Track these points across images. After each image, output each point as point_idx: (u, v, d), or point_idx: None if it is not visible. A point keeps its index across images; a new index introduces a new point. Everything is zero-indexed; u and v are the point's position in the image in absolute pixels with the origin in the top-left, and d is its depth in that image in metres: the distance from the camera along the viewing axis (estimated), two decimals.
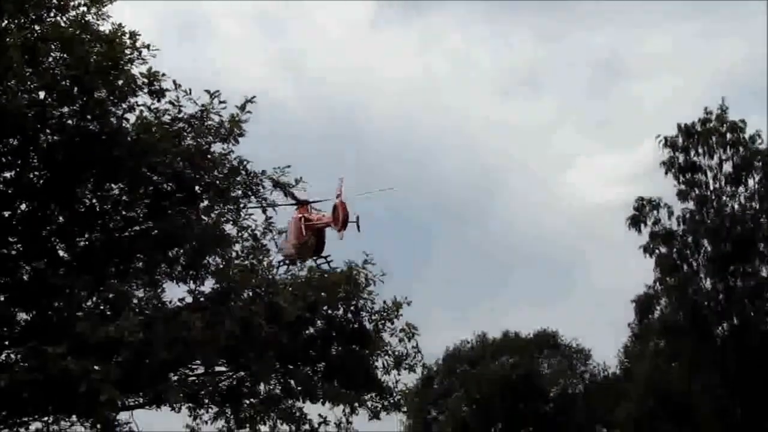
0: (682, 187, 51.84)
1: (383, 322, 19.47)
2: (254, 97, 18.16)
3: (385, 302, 19.49)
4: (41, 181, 17.37)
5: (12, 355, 15.38)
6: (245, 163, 18.44)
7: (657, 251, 52.16)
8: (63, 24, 16.84)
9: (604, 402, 76.85)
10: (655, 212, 52.33)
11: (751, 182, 51.23)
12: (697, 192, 51.80)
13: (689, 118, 52.20)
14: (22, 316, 16.76)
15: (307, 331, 19.30)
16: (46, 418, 18.54)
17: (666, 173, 51.95)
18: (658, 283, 52.94)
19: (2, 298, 16.15)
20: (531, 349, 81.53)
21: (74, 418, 18.12)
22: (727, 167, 51.31)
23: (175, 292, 18.47)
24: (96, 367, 13.74)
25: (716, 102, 53.06)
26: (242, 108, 18.03)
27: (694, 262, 52.04)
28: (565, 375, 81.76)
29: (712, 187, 51.82)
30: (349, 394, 19.26)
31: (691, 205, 51.88)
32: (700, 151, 51.61)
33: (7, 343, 16.00)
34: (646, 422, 68.78)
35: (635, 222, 52.34)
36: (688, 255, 51.99)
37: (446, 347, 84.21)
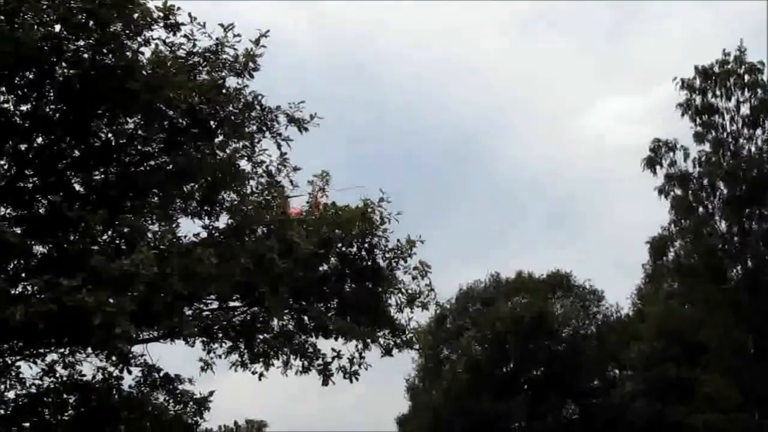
0: (699, 129, 51.63)
1: (397, 260, 19.51)
2: (268, 31, 18.11)
3: (399, 240, 19.52)
4: (57, 115, 17.39)
5: (28, 287, 15.46)
6: (260, 98, 18.44)
7: (672, 193, 52.09)
8: None
9: (616, 343, 77.25)
10: (671, 154, 52.19)
11: None
12: (713, 134, 51.58)
13: (707, 60, 51.94)
14: (38, 248, 16.85)
15: (320, 268, 19.35)
16: (61, 350, 18.79)
17: (682, 115, 51.74)
18: (672, 225, 52.94)
19: (18, 231, 16.18)
20: (544, 290, 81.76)
21: (89, 350, 18.36)
22: (745, 109, 51.06)
23: (189, 227, 18.58)
24: (111, 300, 13.79)
25: (735, 44, 52.81)
26: (257, 42, 17.98)
27: (709, 205, 51.97)
28: (578, 316, 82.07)
29: (728, 130, 51.60)
30: (362, 329, 19.35)
31: (707, 147, 51.68)
32: (718, 93, 51.32)
33: (23, 275, 16.09)
34: (658, 362, 69.19)
35: (651, 164, 52.19)
36: (704, 197, 51.89)
37: (459, 287, 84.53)
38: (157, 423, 19.12)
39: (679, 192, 51.94)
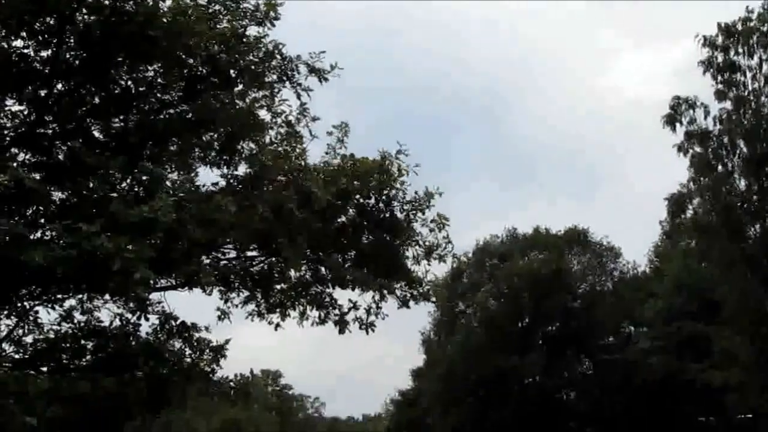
0: (720, 87, 51.22)
1: (414, 212, 19.46)
2: None
3: (416, 193, 19.47)
4: (77, 62, 17.36)
5: (47, 232, 15.53)
6: (280, 47, 18.33)
7: (692, 151, 51.79)
8: None
9: (632, 300, 77.22)
10: (690, 112, 51.83)
11: None
12: (735, 92, 51.18)
13: (730, 17, 51.44)
14: (57, 194, 16.91)
15: (338, 219, 19.34)
16: (79, 296, 18.90)
17: (704, 73, 51.28)
18: (691, 183, 52.67)
19: (38, 177, 16.23)
20: (561, 246, 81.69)
21: (107, 296, 18.48)
22: (767, 67, 50.63)
23: (208, 177, 18.61)
24: (129, 246, 13.82)
25: (759, 1, 52.33)
26: None
27: (729, 163, 51.62)
28: (594, 272, 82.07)
29: (750, 88, 51.13)
30: (378, 281, 19.37)
31: (728, 105, 51.31)
32: (740, 50, 50.84)
33: (42, 220, 16.16)
34: (675, 319, 69.17)
35: (670, 121, 51.83)
36: (723, 155, 51.54)
37: (476, 242, 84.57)
38: (174, 369, 19.27)
39: (698, 150, 51.59)
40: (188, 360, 19.62)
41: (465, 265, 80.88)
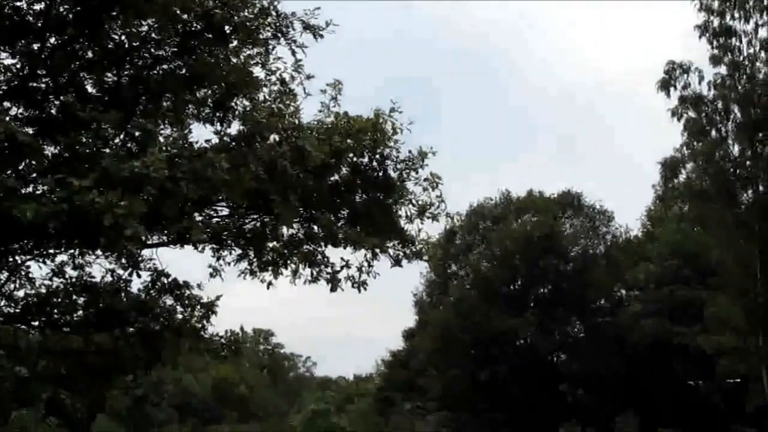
0: (716, 52, 51.13)
1: (408, 171, 19.38)
2: None
3: (410, 151, 19.39)
4: (70, 15, 17.27)
5: (39, 187, 15.48)
6: (275, 3, 18.24)
7: (685, 116, 51.76)
8: None
9: (624, 263, 77.45)
10: (685, 76, 51.80)
11: None
12: (730, 57, 51.08)
13: None
14: (50, 149, 16.85)
15: (331, 178, 19.28)
16: (71, 251, 18.89)
17: (700, 38, 51.18)
18: (685, 148, 52.68)
19: (31, 131, 16.16)
20: (554, 209, 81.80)
21: (99, 252, 18.47)
22: (763, 32, 50.44)
23: (201, 134, 18.57)
24: (121, 202, 13.78)
25: None
26: None
27: (722, 128, 51.64)
28: (587, 235, 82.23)
29: (745, 53, 51.06)
30: (371, 239, 19.34)
31: (723, 70, 51.25)
32: (736, 15, 50.71)
33: (34, 175, 16.11)
34: (667, 282, 69.41)
35: (665, 86, 51.77)
36: (717, 120, 51.55)
37: (469, 204, 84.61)
38: (165, 325, 19.30)
39: (692, 114, 51.61)
40: (179, 316, 19.65)
41: (458, 227, 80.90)
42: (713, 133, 51.42)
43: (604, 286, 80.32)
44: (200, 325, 19.82)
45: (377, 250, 19.50)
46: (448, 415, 77.60)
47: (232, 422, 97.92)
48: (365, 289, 19.60)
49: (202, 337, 20.00)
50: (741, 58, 50.77)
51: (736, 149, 51.75)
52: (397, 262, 20.06)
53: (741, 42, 50.72)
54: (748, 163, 51.33)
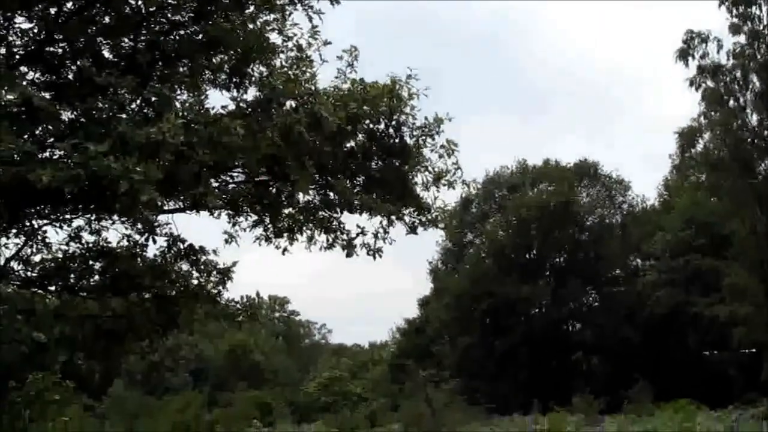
0: (735, 20, 50.83)
1: (424, 137, 19.34)
2: None
3: (426, 118, 19.35)
4: None
5: (55, 152, 15.50)
6: None
7: (704, 85, 51.56)
8: None
9: (640, 233, 77.35)
10: (703, 46, 51.55)
11: None
12: (749, 26, 50.78)
13: None
14: (67, 114, 16.86)
15: (348, 144, 19.25)
16: (87, 216, 18.94)
17: (719, 6, 50.91)
18: (702, 117, 52.53)
19: (47, 96, 16.17)
20: (570, 178, 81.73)
21: (115, 217, 18.53)
22: None
23: (217, 100, 18.54)
24: (137, 168, 13.79)
25: None
26: None
27: (741, 97, 51.48)
28: (603, 205, 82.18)
29: (765, 22, 50.77)
30: (387, 206, 19.34)
31: (742, 39, 50.97)
32: None
33: (51, 140, 16.13)
34: (683, 252, 69.31)
35: (683, 55, 51.60)
36: (736, 90, 51.39)
37: (485, 172, 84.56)
38: (180, 290, 19.38)
39: (710, 84, 51.42)
40: (195, 282, 19.72)
41: (474, 196, 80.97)
42: (731, 102, 51.27)
43: (619, 256, 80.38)
44: (216, 291, 19.89)
45: (393, 217, 19.52)
46: (463, 384, 77.79)
47: (243, 389, 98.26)
48: (380, 256, 19.63)
49: (218, 302, 20.07)
50: (761, 26, 50.50)
51: (754, 119, 51.64)
52: (412, 230, 20.06)
53: (761, 11, 50.44)
54: (766, 132, 51.16)
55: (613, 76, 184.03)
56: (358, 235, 19.66)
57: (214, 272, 19.80)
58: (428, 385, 63.46)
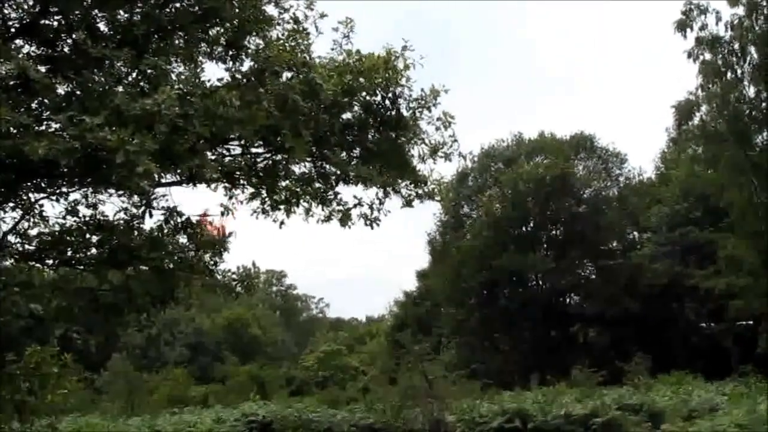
0: None
1: (420, 109, 19.34)
2: None
3: (422, 89, 19.35)
4: None
5: (51, 124, 15.51)
6: None
7: (702, 57, 51.46)
8: None
9: (637, 205, 77.47)
10: (702, 17, 51.37)
11: None
12: None
13: None
14: (62, 87, 16.85)
15: (344, 116, 19.25)
16: (84, 190, 18.95)
17: None
18: (700, 90, 52.44)
19: (43, 69, 16.15)
20: (567, 151, 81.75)
21: (112, 190, 18.52)
22: None
23: (213, 73, 18.53)
24: (133, 140, 13.81)
25: None
26: None
27: (738, 69, 51.37)
28: (600, 177, 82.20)
29: None
30: (382, 177, 19.39)
31: (740, 11, 50.82)
32: None
33: (47, 113, 16.12)
34: (680, 224, 69.45)
35: (681, 27, 51.40)
36: (734, 62, 51.26)
37: (481, 146, 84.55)
38: (177, 262, 19.39)
39: (708, 56, 51.31)
40: (192, 254, 19.73)
41: (470, 169, 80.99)
42: (729, 74, 51.15)
43: (616, 228, 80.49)
44: (213, 262, 19.90)
45: (389, 189, 19.56)
46: (460, 356, 78.00)
47: (237, 363, 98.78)
48: (377, 225, 19.71)
49: (215, 274, 20.08)
50: None
51: (751, 91, 51.54)
52: (408, 203, 20.11)
53: None
54: (763, 104, 51.13)
55: (612, 47, 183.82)
56: (355, 205, 19.71)
57: (210, 243, 19.80)
58: (425, 357, 63.61)
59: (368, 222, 19.70)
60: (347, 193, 19.83)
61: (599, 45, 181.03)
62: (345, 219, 19.64)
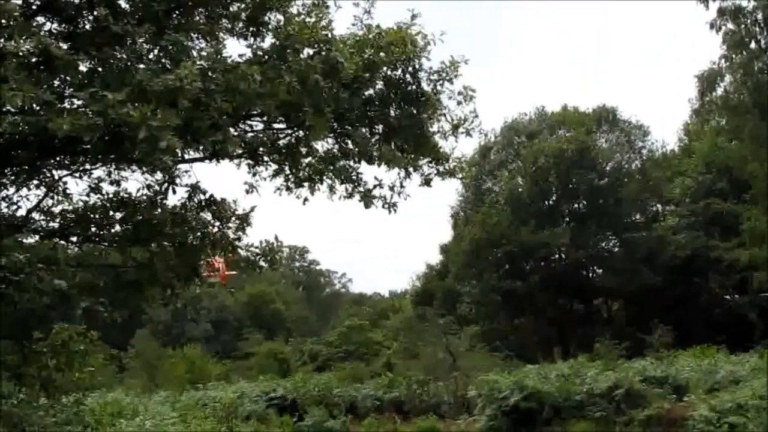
0: None
1: (441, 82, 19.26)
2: None
3: (442, 62, 19.25)
4: None
5: (74, 101, 15.56)
6: None
7: (724, 27, 51.08)
8: None
9: (660, 178, 77.20)
10: None
11: None
12: None
13: None
14: (84, 64, 16.88)
15: (365, 92, 19.19)
16: (108, 166, 19.05)
17: None
18: (723, 60, 52.10)
19: (65, 46, 16.18)
20: (589, 124, 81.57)
21: (135, 167, 18.62)
22: None
23: (234, 49, 18.51)
24: (156, 115, 13.86)
25: None
26: None
27: (762, 40, 50.98)
28: (623, 150, 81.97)
29: None
30: (405, 157, 19.36)
31: None
32: None
33: (70, 90, 16.17)
34: (703, 196, 69.17)
35: None
36: (757, 32, 50.87)
37: (504, 119, 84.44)
38: (200, 238, 19.47)
39: (731, 26, 50.92)
40: (215, 229, 19.80)
41: (492, 143, 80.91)
42: (752, 44, 50.77)
43: (639, 201, 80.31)
44: (236, 236, 19.96)
45: (410, 169, 19.55)
46: (483, 330, 78.16)
47: (261, 339, 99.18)
48: (395, 211, 19.69)
49: (238, 249, 20.14)
50: None
51: None
52: (427, 182, 20.06)
53: None
54: None
55: (635, 20, 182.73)
56: (375, 187, 19.68)
57: (233, 218, 19.86)
58: (448, 330, 63.65)
59: (386, 205, 19.70)
60: (368, 172, 19.82)
61: (624, 18, 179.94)
62: (367, 200, 19.63)
